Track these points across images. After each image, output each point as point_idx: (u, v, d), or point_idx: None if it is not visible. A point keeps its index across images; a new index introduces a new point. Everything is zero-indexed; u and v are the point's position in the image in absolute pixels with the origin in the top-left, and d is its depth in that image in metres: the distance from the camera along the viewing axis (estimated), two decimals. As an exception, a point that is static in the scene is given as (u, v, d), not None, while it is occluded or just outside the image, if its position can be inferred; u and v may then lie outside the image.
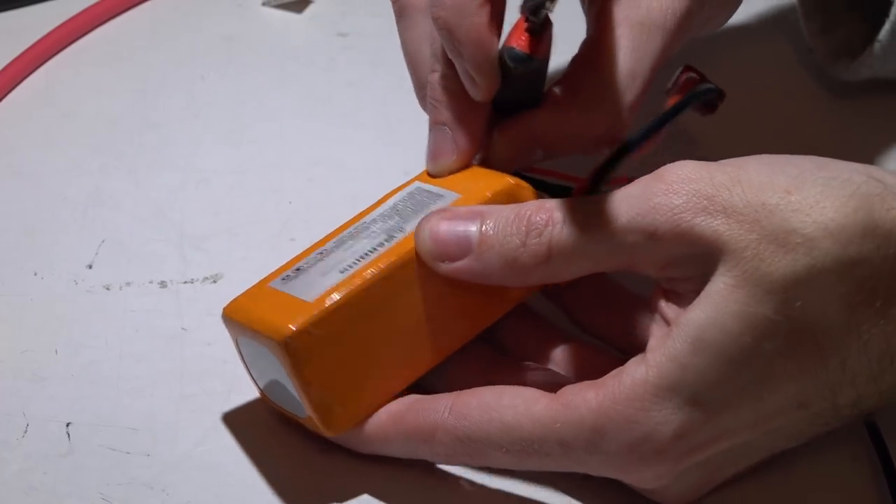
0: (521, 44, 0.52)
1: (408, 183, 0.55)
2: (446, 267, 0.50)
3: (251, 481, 0.52)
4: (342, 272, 0.50)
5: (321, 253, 0.52)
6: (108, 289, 0.60)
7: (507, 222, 0.49)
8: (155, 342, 0.57)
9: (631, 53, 0.53)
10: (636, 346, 0.50)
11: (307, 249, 0.53)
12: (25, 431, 0.54)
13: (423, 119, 0.68)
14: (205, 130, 0.68)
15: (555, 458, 0.48)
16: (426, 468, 0.52)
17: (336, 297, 0.49)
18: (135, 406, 0.55)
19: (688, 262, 0.47)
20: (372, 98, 0.70)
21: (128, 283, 0.60)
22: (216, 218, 0.63)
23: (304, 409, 0.50)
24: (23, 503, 0.51)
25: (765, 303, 0.45)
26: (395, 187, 0.55)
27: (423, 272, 0.51)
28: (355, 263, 0.51)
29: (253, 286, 0.52)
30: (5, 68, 0.71)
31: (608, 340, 0.54)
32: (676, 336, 0.46)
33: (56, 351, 0.57)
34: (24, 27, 0.74)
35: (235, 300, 0.52)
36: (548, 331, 0.54)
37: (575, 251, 0.48)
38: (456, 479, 0.52)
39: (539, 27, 0.51)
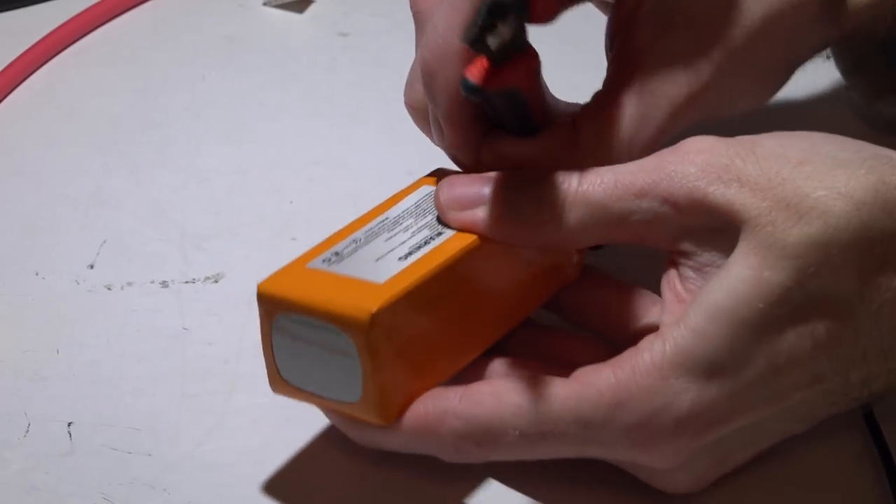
0: (473, 74, 0.49)
1: (417, 185, 0.54)
2: (462, 216, 0.50)
3: (252, 481, 0.52)
4: (402, 259, 0.50)
5: (356, 241, 0.52)
6: (109, 289, 0.60)
7: (527, 178, 0.50)
8: (156, 342, 0.57)
9: (635, 121, 0.53)
10: (635, 336, 0.50)
11: (330, 237, 0.52)
12: (27, 431, 0.54)
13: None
14: (206, 130, 0.68)
15: (570, 440, 0.48)
16: (431, 467, 0.52)
17: (409, 280, 0.49)
18: (136, 406, 0.55)
19: (701, 234, 0.48)
20: (373, 98, 0.70)
21: (129, 283, 0.60)
22: (217, 218, 0.63)
23: (356, 393, 0.49)
24: (24, 503, 0.51)
25: (777, 269, 0.46)
26: (395, 186, 0.55)
27: (481, 262, 0.51)
28: (415, 251, 0.50)
29: (285, 267, 0.51)
30: (6, 68, 0.71)
31: (606, 334, 0.54)
32: (692, 307, 0.47)
33: (57, 351, 0.57)
34: (25, 27, 0.74)
35: (273, 278, 0.50)
36: (550, 332, 0.54)
37: (588, 211, 0.49)
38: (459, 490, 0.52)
39: (497, 57, 0.49)
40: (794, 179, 0.46)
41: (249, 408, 0.55)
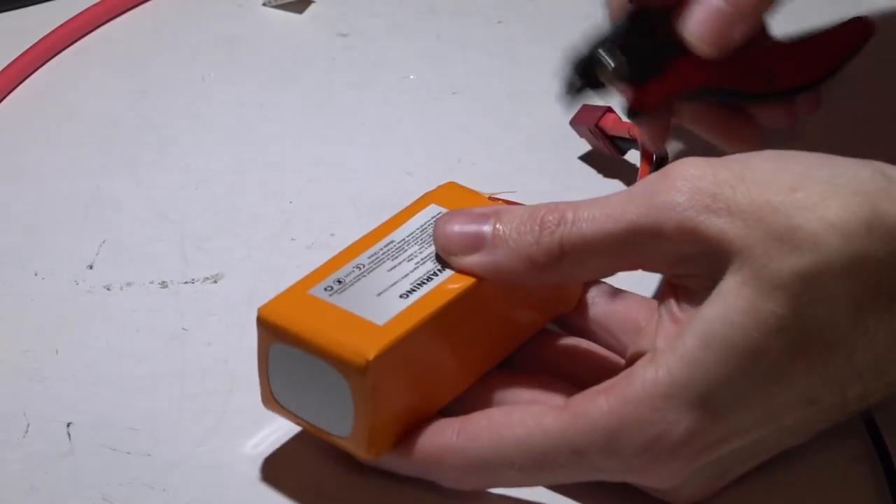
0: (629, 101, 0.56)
1: (424, 202, 0.54)
2: (460, 262, 0.50)
3: (252, 481, 0.52)
4: (403, 297, 0.50)
5: (359, 267, 0.51)
6: (108, 289, 0.60)
7: (521, 220, 0.50)
8: (156, 342, 0.57)
9: None
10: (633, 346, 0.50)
11: (334, 259, 0.52)
12: (26, 431, 0.54)
13: (422, 119, 0.69)
14: (206, 131, 0.68)
15: (568, 469, 0.48)
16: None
17: (408, 324, 0.49)
18: (135, 406, 0.55)
19: (696, 259, 0.47)
20: (372, 98, 0.70)
21: (128, 284, 0.60)
22: (217, 218, 0.63)
23: (346, 429, 0.50)
24: (24, 503, 0.51)
25: (772, 299, 0.46)
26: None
27: (480, 301, 0.51)
28: (415, 289, 0.50)
29: (287, 291, 0.51)
30: (6, 68, 0.71)
31: (603, 340, 0.54)
32: (686, 334, 0.47)
33: (57, 351, 0.57)
34: (24, 27, 0.74)
35: (273, 304, 0.50)
36: (549, 339, 0.54)
37: (585, 249, 0.49)
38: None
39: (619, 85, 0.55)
40: (786, 209, 0.46)
41: (249, 408, 0.55)
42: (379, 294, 0.50)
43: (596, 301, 0.54)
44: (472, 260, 0.50)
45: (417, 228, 0.53)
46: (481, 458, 0.49)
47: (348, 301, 0.50)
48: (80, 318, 0.59)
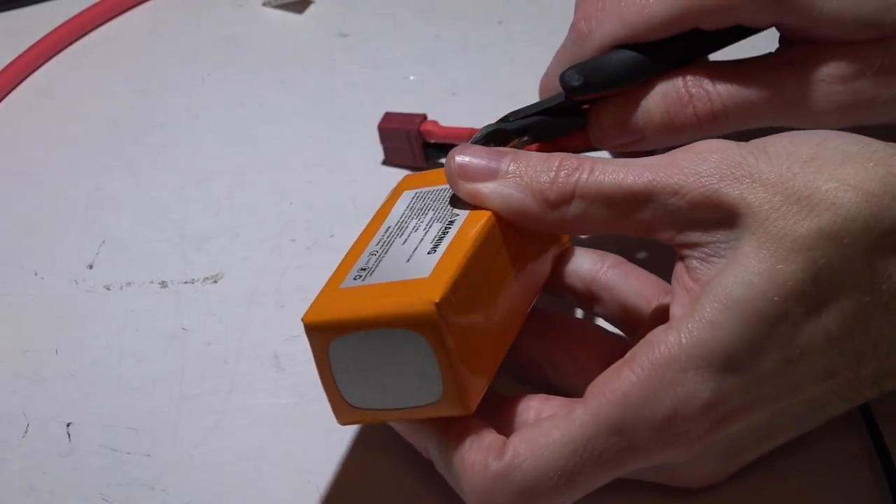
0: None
1: (395, 194, 0.54)
2: (471, 186, 0.51)
3: (251, 481, 0.52)
4: (431, 253, 0.50)
5: (373, 253, 0.51)
6: (108, 289, 0.60)
7: (539, 161, 0.50)
8: (155, 342, 0.57)
9: None
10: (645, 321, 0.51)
11: (345, 260, 0.52)
12: (26, 431, 0.54)
13: (423, 119, 0.69)
14: (205, 131, 0.68)
15: (609, 459, 0.47)
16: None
17: (454, 264, 0.49)
18: (135, 406, 0.55)
19: (710, 225, 0.48)
20: (372, 99, 0.70)
21: (128, 283, 0.60)
22: (217, 218, 0.63)
23: (436, 391, 0.48)
24: (23, 503, 0.51)
25: (789, 261, 0.46)
26: (389, 192, 0.55)
27: (502, 233, 0.51)
28: (439, 242, 0.50)
29: (320, 295, 0.50)
30: (6, 68, 0.71)
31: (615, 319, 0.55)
32: (705, 299, 0.47)
33: (57, 351, 0.57)
34: (24, 27, 0.74)
35: (314, 308, 0.50)
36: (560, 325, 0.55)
37: (598, 197, 0.49)
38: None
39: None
40: (805, 174, 0.47)
41: (248, 408, 0.55)
42: (408, 260, 0.50)
43: (609, 271, 0.55)
44: (483, 186, 0.50)
45: (405, 209, 0.53)
46: (524, 477, 0.47)
47: (383, 276, 0.50)
48: (80, 317, 0.59)
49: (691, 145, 0.49)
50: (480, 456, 0.48)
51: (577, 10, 0.57)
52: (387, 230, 0.52)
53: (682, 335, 0.47)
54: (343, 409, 0.50)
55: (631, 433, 0.47)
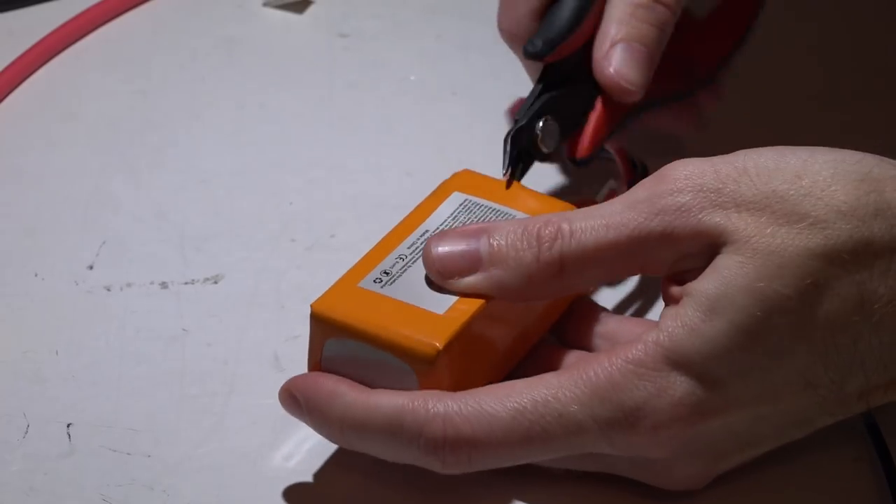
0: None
1: (446, 190, 0.54)
2: (459, 284, 0.50)
3: (251, 482, 0.52)
4: None
5: (401, 258, 0.52)
6: (108, 289, 0.60)
7: (517, 237, 0.49)
8: (156, 343, 0.57)
9: None
10: None
11: (373, 252, 0.52)
12: (26, 432, 0.54)
13: (422, 120, 0.68)
14: (205, 131, 0.68)
15: (568, 425, 0.47)
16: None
17: (468, 313, 0.49)
18: (135, 407, 0.55)
19: (699, 255, 0.48)
20: (372, 99, 0.70)
21: (128, 284, 0.60)
22: (217, 219, 0.63)
23: None
24: (23, 504, 0.52)
25: (776, 278, 0.46)
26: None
27: None
28: None
29: (336, 285, 0.51)
30: (6, 69, 0.71)
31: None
32: (688, 305, 0.47)
33: (57, 352, 0.57)
34: (24, 28, 0.74)
35: (326, 299, 0.50)
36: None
37: (586, 261, 0.49)
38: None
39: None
40: (792, 196, 0.46)
41: (248, 409, 0.55)
42: (431, 283, 0.50)
43: (604, 319, 0.54)
44: (471, 280, 0.50)
45: (448, 216, 0.53)
46: (478, 413, 0.48)
47: (400, 292, 0.50)
48: (80, 318, 0.59)
49: (665, 172, 0.48)
50: (434, 396, 0.48)
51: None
52: (422, 235, 0.52)
53: (662, 336, 0.47)
54: None
55: (597, 408, 0.47)
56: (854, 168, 0.47)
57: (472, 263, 0.50)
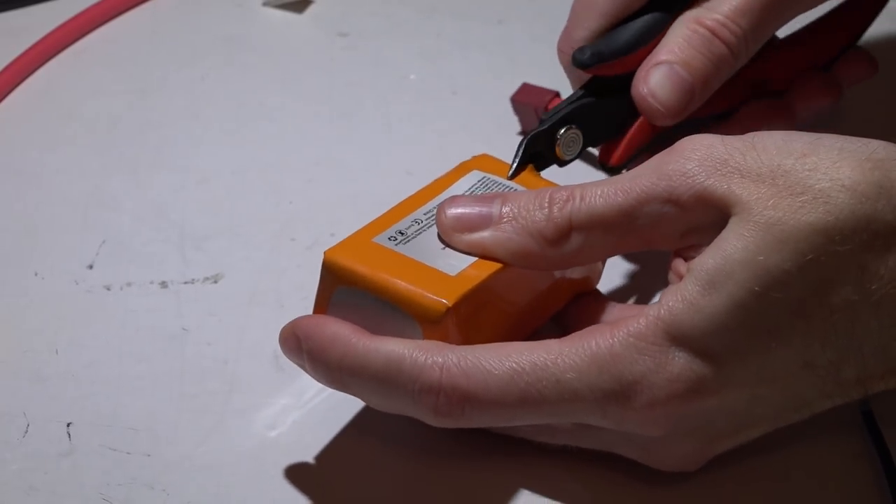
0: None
1: (463, 168, 0.55)
2: (468, 238, 0.51)
3: (251, 482, 0.52)
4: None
5: (417, 222, 0.52)
6: (108, 289, 0.60)
7: (528, 200, 0.50)
8: (155, 342, 0.57)
9: None
10: None
11: (388, 213, 0.52)
12: (26, 431, 0.54)
13: (422, 119, 0.69)
14: (205, 130, 0.68)
15: (564, 393, 0.48)
16: (432, 453, 0.52)
17: (480, 276, 0.50)
18: (135, 406, 0.55)
19: (707, 228, 0.48)
20: (372, 98, 0.70)
21: (128, 284, 0.60)
22: (216, 218, 0.63)
23: None
24: (23, 503, 0.51)
25: (775, 251, 0.46)
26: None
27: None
28: None
29: (351, 237, 0.51)
30: (6, 68, 0.71)
31: None
32: (688, 280, 0.47)
33: (57, 351, 0.57)
34: (24, 27, 0.74)
35: (340, 248, 0.50)
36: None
37: (595, 224, 0.49)
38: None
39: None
40: (797, 171, 0.47)
41: (248, 408, 0.55)
42: (444, 248, 0.51)
43: (609, 308, 0.54)
44: (480, 236, 0.50)
45: (468, 189, 0.54)
46: (474, 368, 0.48)
47: (414, 251, 0.51)
48: (80, 318, 0.59)
49: (674, 147, 0.49)
50: (431, 346, 0.48)
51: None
52: (437, 205, 0.53)
53: (662, 311, 0.47)
54: None
55: (594, 378, 0.47)
56: (860, 148, 0.47)
57: (483, 221, 0.51)
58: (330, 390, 0.51)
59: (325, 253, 0.50)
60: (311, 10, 0.76)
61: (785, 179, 0.47)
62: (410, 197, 0.53)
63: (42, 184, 0.65)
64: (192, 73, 0.72)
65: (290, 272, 0.60)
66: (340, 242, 0.51)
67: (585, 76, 0.58)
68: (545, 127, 0.57)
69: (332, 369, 0.49)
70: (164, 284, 0.60)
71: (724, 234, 0.47)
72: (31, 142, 0.68)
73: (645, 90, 0.56)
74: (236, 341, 0.57)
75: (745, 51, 0.56)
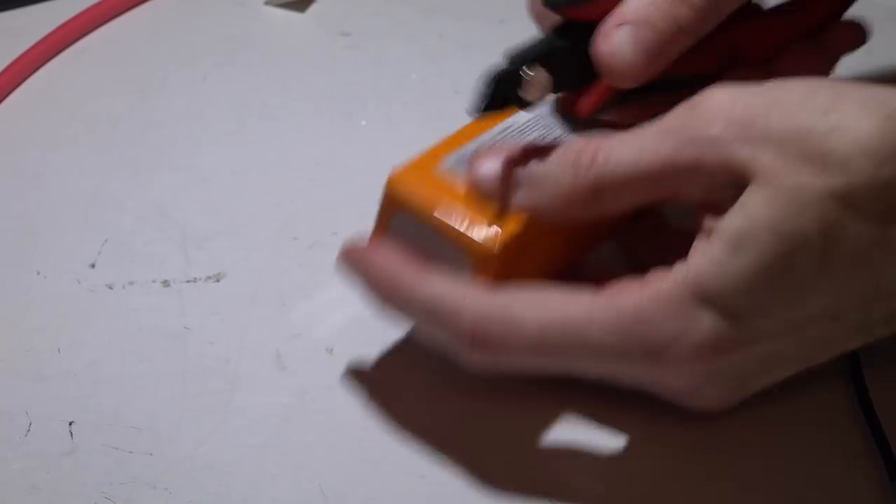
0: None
1: (503, 115, 0.56)
2: (500, 204, 0.52)
3: (253, 481, 0.52)
4: None
5: (482, 146, 0.54)
6: (110, 288, 0.60)
7: (557, 160, 0.51)
8: (158, 341, 0.57)
9: None
10: None
11: (457, 135, 0.54)
12: (28, 430, 0.54)
13: (424, 119, 0.69)
14: (206, 130, 0.68)
15: (592, 347, 0.49)
16: (434, 461, 0.52)
17: (523, 217, 0.51)
18: (137, 405, 0.55)
19: (729, 186, 0.48)
20: (374, 97, 0.70)
21: (130, 283, 0.60)
22: (218, 217, 0.63)
23: None
24: (25, 502, 0.51)
25: (799, 216, 0.46)
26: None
27: None
28: None
29: (419, 159, 0.53)
30: (7, 68, 0.71)
31: None
32: (715, 241, 0.48)
33: (59, 350, 0.57)
34: (25, 27, 0.74)
35: (405, 172, 0.53)
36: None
37: (621, 187, 0.50)
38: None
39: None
40: (819, 131, 0.47)
41: (251, 408, 0.55)
42: None
43: (667, 241, 0.55)
44: (511, 201, 0.52)
45: (530, 119, 0.56)
46: (510, 312, 0.49)
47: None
48: (82, 317, 0.59)
49: (698, 101, 0.49)
50: (475, 289, 0.50)
51: None
52: (506, 129, 0.54)
53: (690, 273, 0.48)
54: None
55: (621, 338, 0.48)
56: (882, 105, 0.47)
57: (510, 184, 0.52)
58: (330, 390, 0.51)
59: (390, 175, 0.52)
60: (312, 9, 0.76)
61: (806, 142, 0.47)
62: (466, 127, 0.55)
63: (43, 183, 0.65)
64: (194, 72, 0.72)
65: (292, 271, 0.60)
66: (406, 165, 0.53)
67: (556, 21, 0.56)
68: (509, 67, 0.55)
69: (381, 301, 0.52)
70: (166, 283, 0.60)
71: (750, 196, 0.47)
72: (33, 142, 0.68)
73: (606, 50, 0.55)
74: (238, 340, 0.57)
75: (714, 13, 0.55)
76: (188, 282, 0.60)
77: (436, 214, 0.51)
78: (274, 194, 0.64)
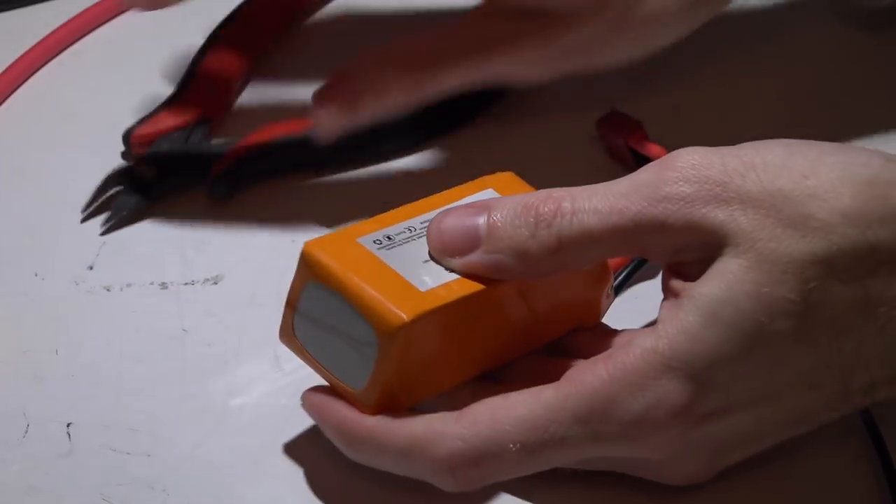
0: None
1: (479, 184, 0.54)
2: (457, 262, 0.50)
3: (251, 482, 0.52)
4: (449, 271, 0.50)
5: (410, 229, 0.52)
6: (108, 290, 0.60)
7: (515, 214, 0.49)
8: (156, 343, 0.57)
9: None
10: None
11: (386, 215, 0.52)
12: (26, 432, 0.54)
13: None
14: (205, 131, 0.68)
15: (570, 442, 0.47)
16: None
17: (447, 298, 0.49)
18: (135, 407, 0.55)
19: (700, 248, 0.47)
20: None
21: (128, 284, 0.60)
22: (217, 219, 0.63)
23: (360, 383, 0.49)
24: (23, 503, 0.51)
25: (780, 283, 0.46)
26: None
27: (512, 294, 0.51)
28: None
29: (337, 233, 0.51)
30: (6, 70, 0.71)
31: None
32: (688, 309, 0.47)
33: (57, 351, 0.57)
34: (24, 28, 0.74)
35: (321, 243, 0.51)
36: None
37: (584, 242, 0.48)
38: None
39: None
40: (798, 196, 0.46)
41: (248, 409, 0.55)
42: (425, 261, 0.51)
43: (607, 339, 0.53)
44: (469, 259, 0.50)
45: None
46: (482, 441, 0.47)
47: (394, 260, 0.50)
48: (81, 318, 0.59)
49: (672, 159, 0.48)
50: (440, 422, 0.48)
51: None
52: (425, 221, 0.52)
53: (661, 342, 0.47)
54: (287, 333, 0.51)
55: (596, 425, 0.47)
56: (861, 171, 0.47)
57: (471, 241, 0.50)
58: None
59: (305, 244, 0.50)
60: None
61: (786, 206, 0.46)
62: (416, 203, 0.53)
63: (42, 185, 0.65)
64: (193, 73, 0.72)
65: (290, 273, 0.60)
66: (324, 237, 0.51)
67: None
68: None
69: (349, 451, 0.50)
70: (164, 285, 0.60)
71: (726, 262, 0.46)
72: (32, 142, 0.68)
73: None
74: (236, 342, 0.57)
75: None
76: (186, 284, 0.60)
77: (348, 283, 0.49)
78: (272, 196, 0.64)
